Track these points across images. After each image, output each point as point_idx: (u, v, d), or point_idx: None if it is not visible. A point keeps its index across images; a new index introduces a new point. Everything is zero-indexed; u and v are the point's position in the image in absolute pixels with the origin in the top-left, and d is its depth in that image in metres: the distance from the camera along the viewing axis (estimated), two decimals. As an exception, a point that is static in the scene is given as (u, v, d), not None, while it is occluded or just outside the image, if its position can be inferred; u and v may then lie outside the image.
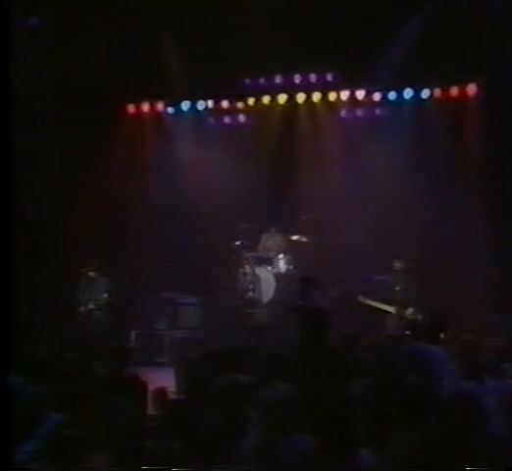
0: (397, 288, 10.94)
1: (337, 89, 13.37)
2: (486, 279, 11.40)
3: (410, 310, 10.69)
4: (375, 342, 6.59)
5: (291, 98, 13.51)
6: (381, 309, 10.60)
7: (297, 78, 13.38)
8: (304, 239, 12.38)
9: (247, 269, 12.27)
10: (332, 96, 13.42)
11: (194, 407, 5.82)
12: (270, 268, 12.38)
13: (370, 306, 10.56)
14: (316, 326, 6.40)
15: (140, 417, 6.32)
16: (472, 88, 13.05)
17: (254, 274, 12.22)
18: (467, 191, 12.32)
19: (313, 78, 13.37)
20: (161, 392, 6.57)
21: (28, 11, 12.39)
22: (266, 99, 13.59)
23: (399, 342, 6.45)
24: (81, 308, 11.34)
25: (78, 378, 7.10)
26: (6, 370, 5.96)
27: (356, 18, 12.06)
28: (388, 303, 10.73)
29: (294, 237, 12.46)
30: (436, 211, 12.23)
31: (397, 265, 11.13)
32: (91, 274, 11.42)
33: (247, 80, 13.49)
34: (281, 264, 12.32)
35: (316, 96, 13.44)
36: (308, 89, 13.44)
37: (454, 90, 13.17)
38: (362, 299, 10.63)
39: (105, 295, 11.20)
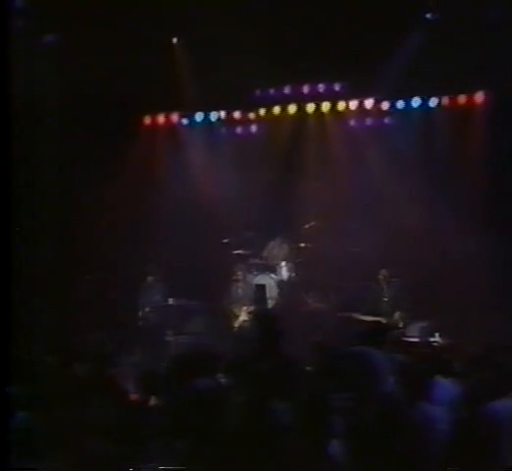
0: (387, 298, 11.12)
1: (346, 99, 13.54)
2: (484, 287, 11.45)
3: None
4: (323, 345, 6.76)
5: (301, 108, 13.74)
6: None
7: (306, 89, 13.62)
8: (308, 247, 12.60)
9: (251, 276, 12.52)
10: (340, 106, 13.61)
11: (144, 409, 6.09)
12: (273, 275, 12.59)
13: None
14: (266, 332, 6.61)
15: (114, 418, 6.60)
16: (480, 96, 13.11)
17: (258, 281, 12.45)
18: (473, 200, 12.36)
19: (321, 87, 13.58)
20: (122, 394, 6.84)
21: (44, 27, 12.85)
22: (276, 109, 13.87)
23: (347, 345, 6.63)
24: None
25: (55, 379, 7.39)
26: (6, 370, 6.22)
27: (363, 27, 12.21)
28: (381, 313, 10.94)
29: (299, 245, 12.69)
30: (443, 220, 12.28)
31: (392, 274, 11.32)
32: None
33: (258, 91, 13.78)
34: (284, 271, 12.54)
35: (325, 106, 13.64)
36: (317, 99, 13.64)
37: (462, 98, 13.24)
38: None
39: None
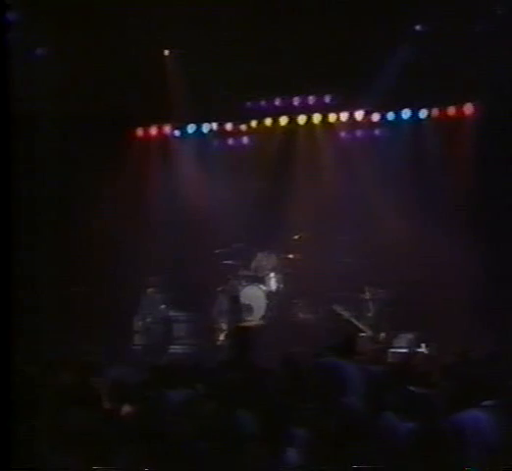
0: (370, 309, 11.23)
1: (336, 110, 13.62)
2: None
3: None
4: (290, 356, 6.81)
5: (292, 120, 13.82)
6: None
7: (297, 101, 13.71)
8: (296, 258, 12.71)
9: (241, 287, 12.63)
10: (331, 117, 13.69)
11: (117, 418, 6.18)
12: (262, 286, 12.67)
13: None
14: (238, 343, 6.69)
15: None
16: (469, 108, 13.18)
17: (247, 292, 12.55)
18: (462, 213, 12.38)
19: (312, 99, 13.67)
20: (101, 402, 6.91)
21: (38, 40, 12.97)
22: (268, 121, 13.95)
23: (314, 357, 6.69)
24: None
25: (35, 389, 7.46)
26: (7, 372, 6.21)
27: (353, 39, 12.30)
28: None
29: (287, 256, 12.79)
30: (431, 232, 12.32)
31: (378, 285, 11.42)
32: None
33: (248, 103, 13.89)
34: (273, 282, 12.64)
35: (316, 118, 13.72)
36: (307, 111, 13.72)
37: (451, 110, 13.31)
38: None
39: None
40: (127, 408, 6.26)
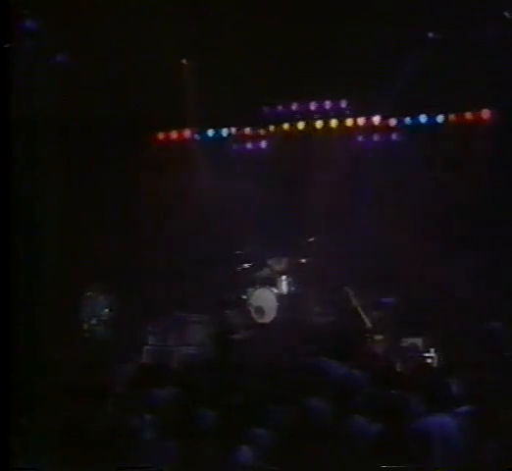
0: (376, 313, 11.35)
1: (354, 115, 13.72)
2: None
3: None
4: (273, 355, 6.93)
5: (309, 125, 13.98)
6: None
7: (313, 106, 13.86)
8: (309, 261, 12.85)
9: (253, 290, 12.82)
10: (348, 122, 13.80)
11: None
12: (274, 289, 12.83)
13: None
14: (221, 345, 6.87)
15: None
16: (486, 113, 13.20)
17: (259, 294, 12.72)
18: (476, 217, 12.41)
19: (329, 104, 13.80)
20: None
21: (58, 47, 13.26)
22: (285, 126, 14.13)
23: (303, 357, 6.80)
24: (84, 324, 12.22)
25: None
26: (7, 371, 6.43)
27: (370, 45, 12.40)
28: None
29: (300, 260, 12.94)
30: (446, 237, 12.34)
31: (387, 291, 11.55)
32: (96, 292, 12.31)
33: (266, 108, 14.07)
34: (284, 285, 12.79)
35: (334, 122, 13.85)
36: (324, 116, 13.86)
37: (469, 115, 13.33)
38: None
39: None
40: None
